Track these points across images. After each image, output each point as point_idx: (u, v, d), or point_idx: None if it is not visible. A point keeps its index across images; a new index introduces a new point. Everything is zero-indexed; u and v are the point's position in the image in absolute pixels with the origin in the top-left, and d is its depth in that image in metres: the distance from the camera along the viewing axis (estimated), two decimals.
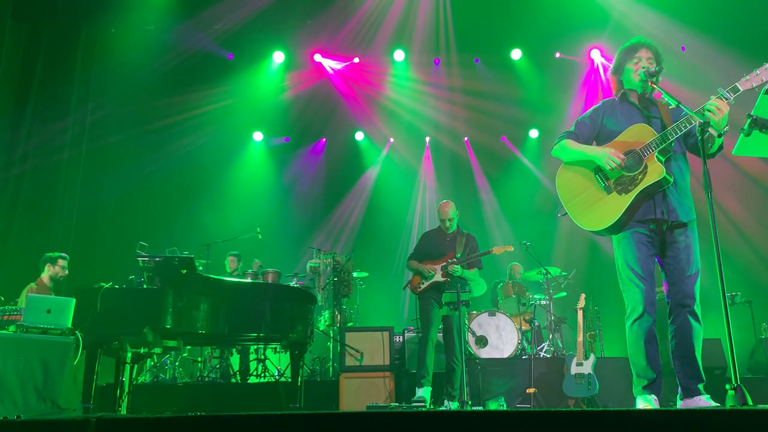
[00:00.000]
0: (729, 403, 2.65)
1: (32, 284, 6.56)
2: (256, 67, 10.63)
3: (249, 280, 7.72)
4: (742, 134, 3.10)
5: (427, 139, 11.49)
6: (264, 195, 10.84)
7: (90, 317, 4.57)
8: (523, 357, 7.17)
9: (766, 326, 7.57)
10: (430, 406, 5.73)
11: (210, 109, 10.26)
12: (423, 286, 6.06)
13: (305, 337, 5.53)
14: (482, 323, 7.30)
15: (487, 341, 7.21)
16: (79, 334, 4.63)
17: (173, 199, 9.87)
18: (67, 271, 6.64)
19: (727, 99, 3.13)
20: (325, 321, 7.90)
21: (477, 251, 6.15)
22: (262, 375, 7.42)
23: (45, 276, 6.56)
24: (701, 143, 3.06)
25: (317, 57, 10.69)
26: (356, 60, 10.73)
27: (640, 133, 3.45)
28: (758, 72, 3.07)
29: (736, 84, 3.13)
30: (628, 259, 3.43)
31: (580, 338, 6.34)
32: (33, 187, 8.81)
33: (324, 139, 11.47)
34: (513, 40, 10.43)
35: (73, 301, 4.81)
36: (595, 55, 10.42)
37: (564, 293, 8.45)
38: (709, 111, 3.11)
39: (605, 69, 10.35)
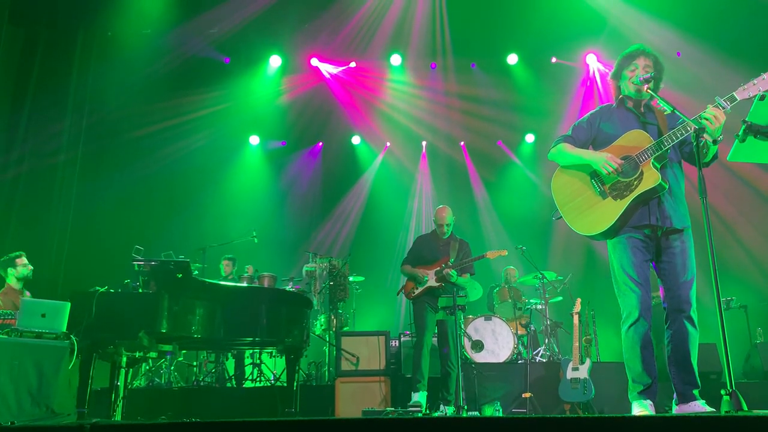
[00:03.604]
0: (724, 409, 2.65)
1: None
2: (252, 70, 10.63)
3: (245, 284, 7.71)
4: (737, 140, 3.11)
5: (424, 143, 11.52)
6: (260, 199, 10.83)
7: (85, 321, 4.56)
8: (519, 361, 7.17)
9: (761, 331, 7.59)
10: (426, 410, 5.72)
11: (206, 112, 10.25)
12: (417, 291, 6.05)
13: (301, 341, 5.52)
14: (478, 328, 7.30)
15: (483, 346, 7.21)
16: (74, 338, 4.61)
17: (169, 203, 9.86)
18: (31, 266, 6.37)
19: (723, 108, 3.14)
20: (321, 325, 7.89)
21: (470, 257, 6.15)
22: (258, 379, 7.41)
23: (11, 281, 6.30)
24: (696, 149, 3.08)
25: (314, 61, 10.70)
26: (353, 64, 10.74)
27: (636, 139, 3.46)
28: (755, 82, 3.08)
29: (733, 93, 3.14)
30: (624, 264, 3.44)
31: (576, 343, 6.34)
32: (29, 189, 8.79)
33: (320, 143, 11.48)
34: (509, 44, 10.46)
35: (68, 305, 4.78)
36: (591, 60, 10.46)
37: (560, 298, 8.46)
38: (706, 119, 3.12)
39: (601, 74, 10.40)
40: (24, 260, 6.36)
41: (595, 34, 9.81)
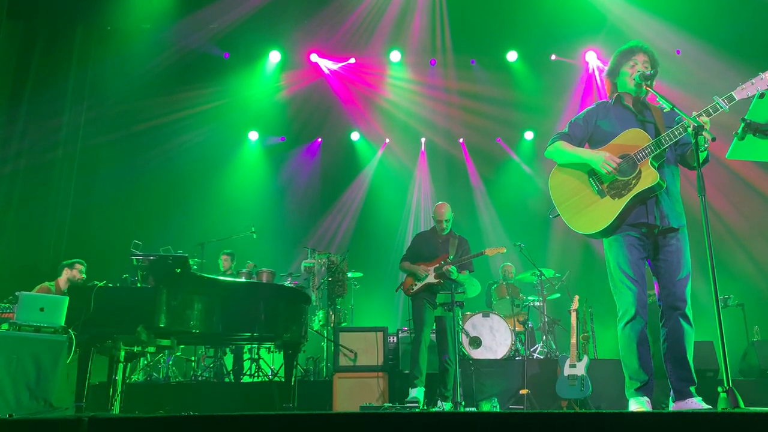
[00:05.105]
0: (721, 406, 2.66)
1: (48, 284, 6.68)
2: (252, 66, 10.62)
3: (243, 279, 7.71)
4: (735, 138, 3.12)
5: (423, 140, 11.51)
6: (259, 194, 10.83)
7: (83, 316, 4.56)
8: (517, 358, 7.18)
9: (758, 329, 7.61)
10: (423, 406, 5.73)
11: (205, 108, 10.24)
12: (416, 288, 6.06)
13: (299, 336, 5.53)
14: (476, 324, 7.31)
15: (480, 342, 7.23)
16: (72, 332, 4.62)
17: (168, 198, 9.85)
18: (84, 276, 6.79)
19: (722, 107, 3.14)
20: (320, 321, 7.90)
21: (469, 253, 6.15)
22: (256, 375, 7.41)
23: (62, 279, 6.71)
24: (695, 146, 3.08)
25: (314, 57, 10.69)
26: (352, 60, 10.72)
27: (635, 138, 3.46)
28: (754, 81, 3.09)
29: (732, 93, 3.14)
30: (620, 261, 3.44)
31: (574, 340, 6.35)
32: (27, 184, 8.80)
33: (319, 139, 11.47)
34: (509, 42, 10.46)
35: (67, 299, 4.80)
36: (591, 57, 10.46)
37: (557, 295, 8.48)
38: (703, 122, 3.13)
39: (600, 71, 10.39)
40: (80, 267, 6.82)
41: (595, 31, 9.80)
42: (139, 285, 4.87)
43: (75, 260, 6.85)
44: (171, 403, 6.21)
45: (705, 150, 3.25)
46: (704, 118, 3.14)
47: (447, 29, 10.13)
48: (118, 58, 9.50)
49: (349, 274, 8.38)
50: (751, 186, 9.50)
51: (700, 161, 3.10)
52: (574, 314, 6.58)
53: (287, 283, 7.92)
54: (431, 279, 6.00)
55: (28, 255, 8.45)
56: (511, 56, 10.62)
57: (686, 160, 3.54)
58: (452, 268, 5.88)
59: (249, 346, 7.39)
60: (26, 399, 4.45)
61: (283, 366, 6.03)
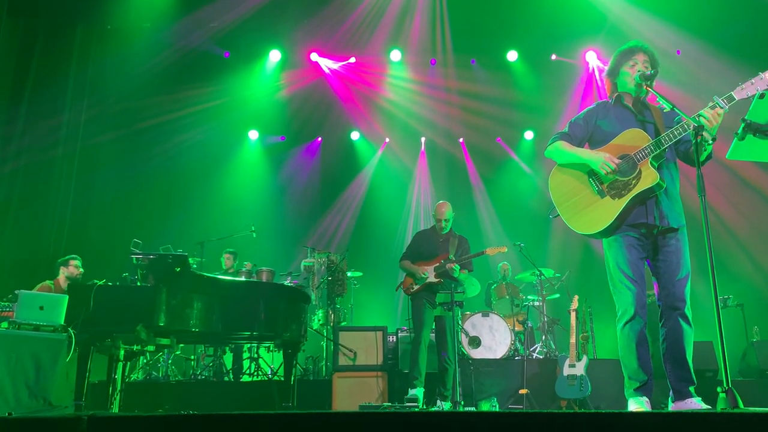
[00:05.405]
0: (720, 406, 2.66)
1: (48, 282, 6.69)
2: (252, 65, 10.63)
3: (243, 278, 7.71)
4: (736, 138, 3.12)
5: (423, 139, 11.52)
6: (259, 193, 10.83)
7: (83, 314, 4.56)
8: (516, 358, 7.19)
9: (758, 329, 7.62)
10: (422, 406, 5.73)
11: (205, 107, 10.24)
12: (416, 288, 6.05)
13: (299, 336, 5.53)
14: (475, 324, 7.31)
15: (480, 342, 7.23)
16: (71, 331, 4.61)
17: (168, 197, 9.85)
18: (82, 270, 6.82)
19: (722, 107, 3.14)
20: (319, 320, 7.90)
21: (469, 253, 6.15)
22: (255, 374, 7.42)
23: (61, 277, 6.75)
24: (695, 147, 3.07)
25: (314, 56, 10.69)
26: (353, 60, 10.72)
27: (634, 138, 3.46)
28: (753, 81, 3.09)
29: (732, 93, 3.14)
30: (619, 261, 3.44)
31: (573, 340, 6.36)
32: (27, 183, 8.80)
33: (319, 139, 11.47)
34: (509, 41, 10.47)
35: (66, 297, 4.79)
36: (591, 57, 10.47)
37: (557, 295, 8.48)
38: (703, 118, 3.12)
39: (600, 71, 10.39)
40: (75, 263, 6.83)
41: (595, 31, 9.81)
42: (138, 284, 4.87)
43: (68, 257, 6.86)
44: (170, 401, 6.21)
45: (709, 146, 3.24)
46: (719, 110, 3.12)
47: (447, 29, 10.13)
48: (118, 57, 9.50)
49: (349, 274, 8.38)
50: (751, 186, 9.50)
51: (702, 159, 3.10)
52: (573, 314, 6.58)
53: (287, 282, 7.92)
54: (432, 278, 5.99)
55: (28, 253, 8.44)
56: (512, 56, 10.63)
57: (689, 156, 3.52)
58: (455, 267, 5.87)
59: (248, 345, 7.39)
60: (25, 397, 4.44)
61: (282, 365, 6.03)
